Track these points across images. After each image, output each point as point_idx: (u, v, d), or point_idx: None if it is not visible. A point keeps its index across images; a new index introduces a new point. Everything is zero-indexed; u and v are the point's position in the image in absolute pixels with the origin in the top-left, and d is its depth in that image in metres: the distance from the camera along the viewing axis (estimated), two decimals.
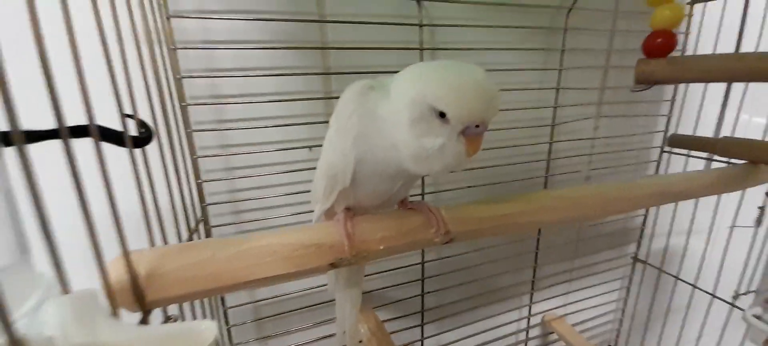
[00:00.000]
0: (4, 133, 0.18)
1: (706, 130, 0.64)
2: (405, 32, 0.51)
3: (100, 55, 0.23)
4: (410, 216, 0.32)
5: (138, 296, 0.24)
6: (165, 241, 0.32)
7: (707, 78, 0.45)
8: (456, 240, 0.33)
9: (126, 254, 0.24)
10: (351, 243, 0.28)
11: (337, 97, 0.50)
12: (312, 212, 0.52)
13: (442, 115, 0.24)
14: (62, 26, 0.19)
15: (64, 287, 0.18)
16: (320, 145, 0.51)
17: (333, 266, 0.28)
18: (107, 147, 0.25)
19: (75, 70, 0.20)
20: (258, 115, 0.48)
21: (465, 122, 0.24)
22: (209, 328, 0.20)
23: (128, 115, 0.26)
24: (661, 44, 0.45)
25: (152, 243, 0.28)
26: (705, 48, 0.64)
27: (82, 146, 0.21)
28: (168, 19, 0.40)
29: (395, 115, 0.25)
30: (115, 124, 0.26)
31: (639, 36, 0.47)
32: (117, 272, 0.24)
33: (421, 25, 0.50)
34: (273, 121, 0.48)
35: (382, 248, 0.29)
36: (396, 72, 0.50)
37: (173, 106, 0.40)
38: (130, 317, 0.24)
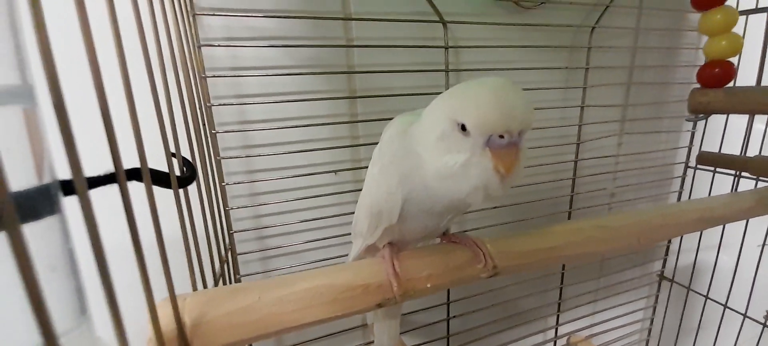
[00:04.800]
0: (67, 182, 0.16)
1: (734, 144, 0.62)
2: (430, 54, 0.51)
3: (140, 90, 0.22)
4: (456, 251, 0.30)
5: None
6: (203, 276, 0.31)
7: None
8: (501, 274, 0.32)
9: (173, 300, 0.23)
10: (399, 283, 0.27)
11: (363, 121, 0.51)
12: (338, 236, 0.53)
13: (464, 128, 0.23)
14: (107, 65, 0.18)
15: None
16: (346, 169, 0.51)
17: (379, 306, 0.27)
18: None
19: (128, 108, 0.19)
20: (284, 139, 0.47)
21: (484, 132, 0.22)
22: None
23: (172, 154, 0.26)
24: (718, 75, 0.44)
25: (194, 284, 0.27)
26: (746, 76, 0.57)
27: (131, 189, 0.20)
28: (198, 48, 0.40)
29: (423, 136, 0.25)
30: (156, 163, 0.25)
31: (660, 53, 0.45)
32: (162, 320, 0.23)
33: (446, 47, 0.50)
34: (299, 146, 0.48)
35: (429, 285, 0.28)
36: (421, 94, 0.51)
37: (205, 134, 0.39)
38: None
